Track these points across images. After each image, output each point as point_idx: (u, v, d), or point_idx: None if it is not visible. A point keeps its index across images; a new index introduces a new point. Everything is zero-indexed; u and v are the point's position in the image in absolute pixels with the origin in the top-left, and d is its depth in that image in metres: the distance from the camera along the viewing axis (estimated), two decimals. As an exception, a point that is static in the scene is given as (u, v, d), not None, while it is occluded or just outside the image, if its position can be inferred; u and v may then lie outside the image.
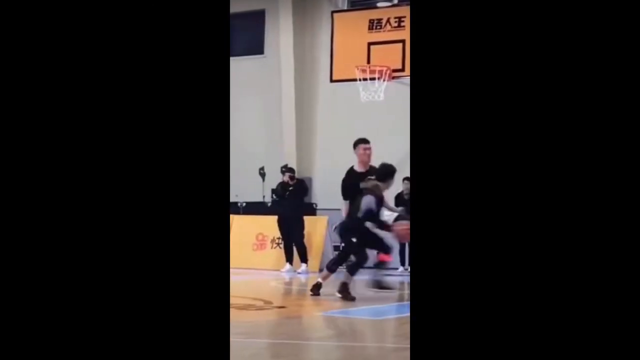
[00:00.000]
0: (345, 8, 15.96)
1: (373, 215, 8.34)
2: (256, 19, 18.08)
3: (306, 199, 14.23)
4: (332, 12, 15.17)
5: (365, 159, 9.03)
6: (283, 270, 12.63)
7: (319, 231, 13.52)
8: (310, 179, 16.45)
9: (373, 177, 8.48)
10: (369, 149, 9.11)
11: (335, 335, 6.77)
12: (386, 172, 8.55)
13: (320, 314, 7.88)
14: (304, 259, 12.63)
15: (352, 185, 8.75)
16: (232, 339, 5.89)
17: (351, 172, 9.07)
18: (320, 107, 16.89)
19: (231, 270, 9.71)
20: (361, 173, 8.86)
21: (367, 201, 8.29)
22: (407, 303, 8.11)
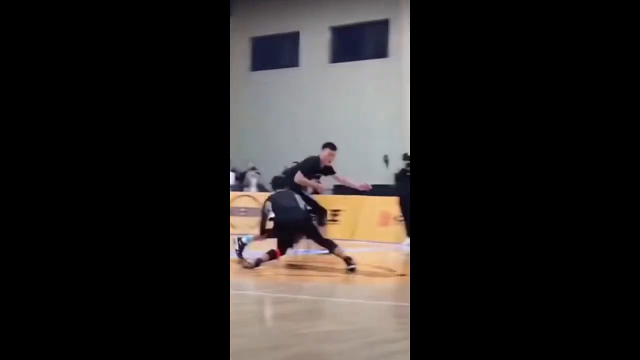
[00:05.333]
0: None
1: None
2: (380, 27, 18.09)
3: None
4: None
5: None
6: (403, 243, 12.58)
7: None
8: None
9: None
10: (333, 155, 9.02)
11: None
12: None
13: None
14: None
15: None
16: (359, 301, 5.94)
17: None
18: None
19: (359, 242, 9.81)
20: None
21: None
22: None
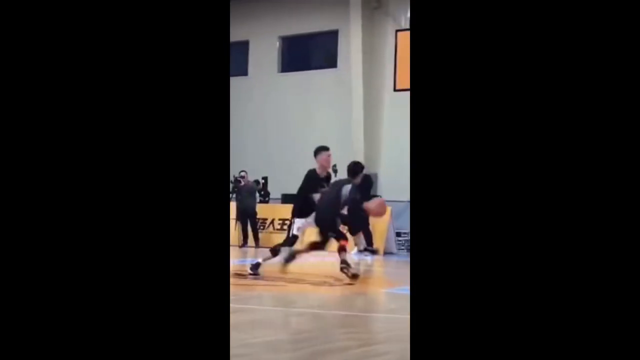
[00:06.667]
0: (407, 27, 15.96)
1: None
2: (330, 38, 18.20)
3: (372, 192, 14.28)
4: (396, 30, 15.22)
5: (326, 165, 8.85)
6: (352, 252, 12.66)
7: (383, 219, 13.51)
8: (376, 175, 16.48)
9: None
10: (330, 155, 8.95)
11: (395, 309, 6.78)
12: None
13: (383, 291, 7.88)
14: (370, 242, 12.71)
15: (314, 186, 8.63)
16: (309, 310, 5.96)
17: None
18: (385, 112, 16.91)
19: (308, 253, 9.73)
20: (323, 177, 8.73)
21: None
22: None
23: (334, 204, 8.26)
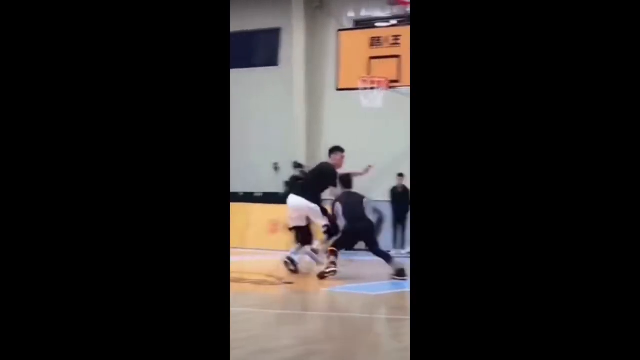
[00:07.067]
0: (350, 27, 16.03)
1: None
2: (272, 36, 18.16)
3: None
4: (339, 30, 15.27)
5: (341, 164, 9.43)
6: (290, 251, 12.60)
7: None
8: (317, 174, 16.48)
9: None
10: (344, 156, 9.49)
11: (335, 308, 6.80)
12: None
13: (324, 290, 7.89)
14: (309, 242, 12.65)
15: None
16: (249, 309, 5.93)
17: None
18: (327, 112, 16.94)
19: (248, 251, 9.76)
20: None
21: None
22: (399, 280, 8.14)
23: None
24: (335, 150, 9.46)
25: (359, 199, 8.95)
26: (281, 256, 9.69)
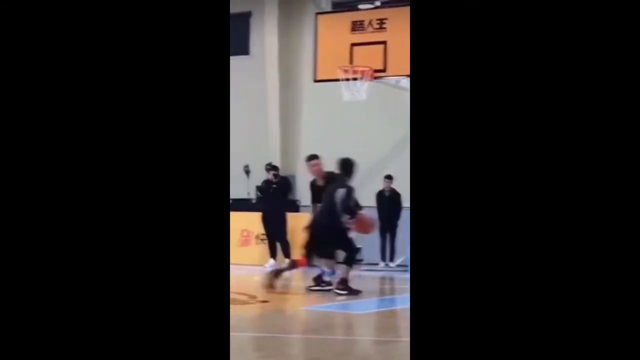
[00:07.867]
0: (329, 10, 15.90)
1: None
2: (242, 21, 18.05)
3: (290, 196, 14.20)
4: (316, 13, 15.10)
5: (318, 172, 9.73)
6: (267, 265, 12.57)
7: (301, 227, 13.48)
8: (293, 177, 16.39)
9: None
10: (318, 164, 9.78)
11: (316, 329, 6.73)
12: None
13: (303, 309, 7.84)
14: (287, 254, 12.57)
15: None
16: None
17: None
18: (304, 107, 16.87)
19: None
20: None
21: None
22: (387, 298, 8.10)
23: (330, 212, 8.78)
24: (313, 157, 9.90)
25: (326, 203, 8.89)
26: (254, 271, 9.62)
